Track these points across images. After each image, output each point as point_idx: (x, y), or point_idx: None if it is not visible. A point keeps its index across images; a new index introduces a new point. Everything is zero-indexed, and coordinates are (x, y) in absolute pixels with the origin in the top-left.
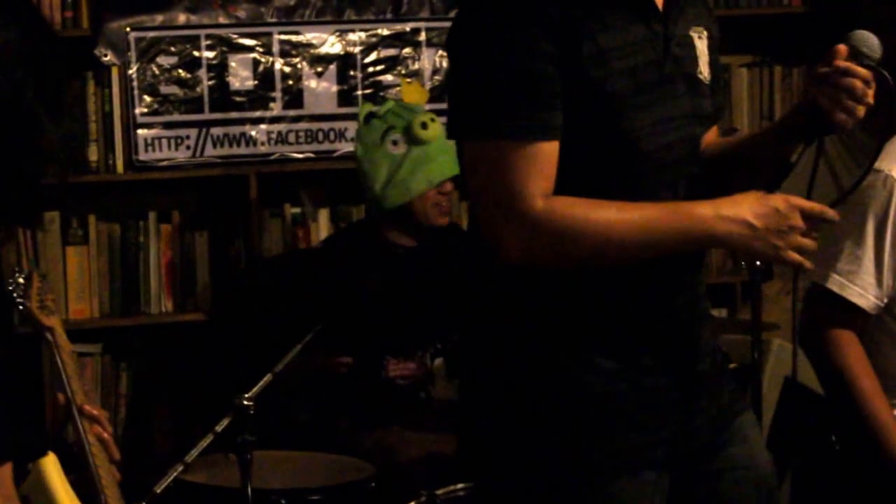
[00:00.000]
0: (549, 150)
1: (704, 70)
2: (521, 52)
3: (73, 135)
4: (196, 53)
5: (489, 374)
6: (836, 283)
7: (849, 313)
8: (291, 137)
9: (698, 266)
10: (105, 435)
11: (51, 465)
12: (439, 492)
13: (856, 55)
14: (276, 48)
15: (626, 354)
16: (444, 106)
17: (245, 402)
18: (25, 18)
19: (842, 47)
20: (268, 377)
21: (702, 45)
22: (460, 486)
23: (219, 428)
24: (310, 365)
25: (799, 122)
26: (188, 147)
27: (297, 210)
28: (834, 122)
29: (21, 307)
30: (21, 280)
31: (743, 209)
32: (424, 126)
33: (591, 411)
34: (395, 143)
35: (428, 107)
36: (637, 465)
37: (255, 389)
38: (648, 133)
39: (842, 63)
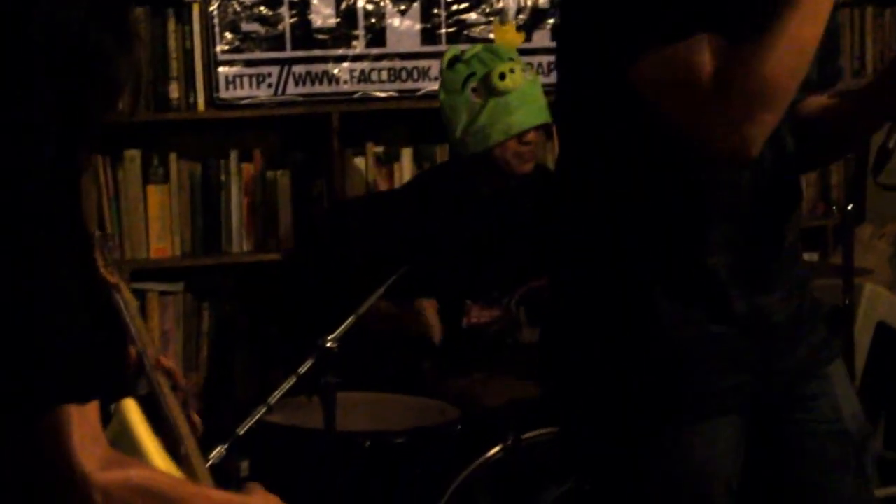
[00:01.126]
0: (708, 40)
1: None
2: None
3: (139, 62)
4: None
5: (565, 322)
6: None
7: None
8: (374, 76)
9: (785, 211)
10: (182, 383)
11: (133, 409)
12: (525, 436)
13: None
14: None
15: (697, 300)
16: (529, 45)
17: (328, 344)
18: None
19: None
20: (351, 319)
21: None
22: (547, 430)
23: (302, 370)
24: (403, 322)
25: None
26: (270, 85)
27: (380, 149)
28: None
29: None
30: None
31: None
32: (503, 77)
33: (662, 357)
34: (475, 90)
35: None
36: (711, 412)
37: (338, 331)
38: None
39: None
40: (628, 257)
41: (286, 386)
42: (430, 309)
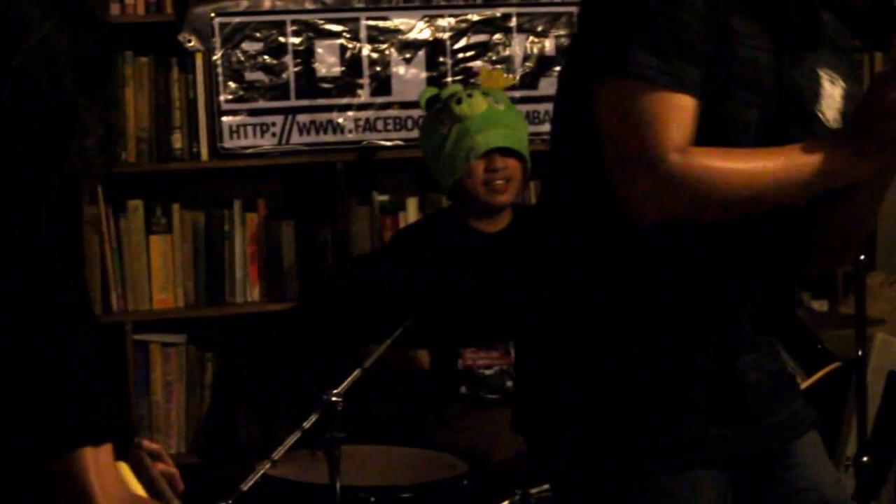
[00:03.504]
0: (690, 105)
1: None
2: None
3: (117, 128)
4: (282, 39)
5: (547, 363)
6: None
7: None
8: (379, 125)
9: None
10: (171, 470)
11: (127, 472)
12: (533, 490)
13: None
14: (363, 34)
15: (685, 352)
16: (535, 93)
17: (333, 399)
18: (66, 6)
19: None
20: (357, 373)
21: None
22: None
23: (306, 424)
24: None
25: None
26: (274, 134)
27: (385, 198)
28: None
29: None
30: None
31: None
32: (459, 101)
33: (645, 403)
34: (442, 122)
35: (518, 94)
36: (695, 462)
37: (343, 385)
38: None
39: None
40: (607, 302)
41: (291, 441)
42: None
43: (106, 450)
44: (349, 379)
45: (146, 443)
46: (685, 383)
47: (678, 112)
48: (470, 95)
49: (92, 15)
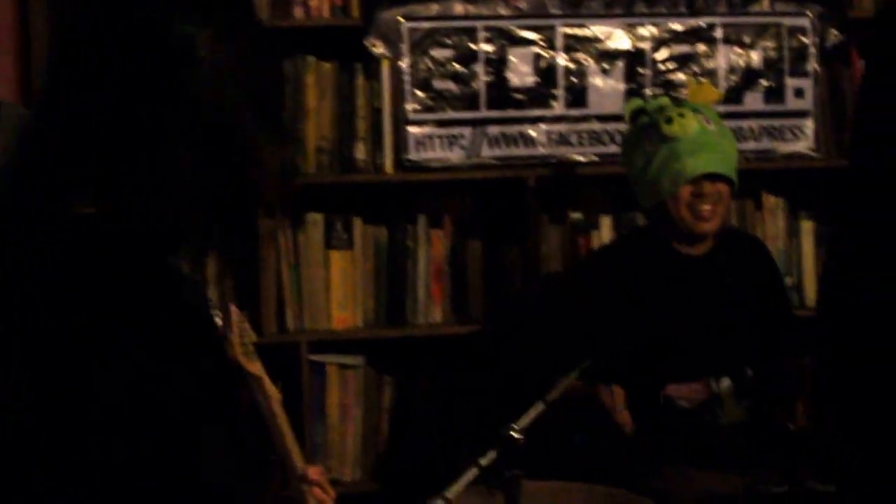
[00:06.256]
0: None
1: None
2: None
3: (292, 163)
4: (473, 46)
5: None
6: None
7: None
8: (574, 138)
9: None
10: (327, 500)
11: None
12: None
13: None
14: (559, 42)
15: None
16: (739, 108)
17: (514, 434)
18: (243, 32)
19: None
20: (540, 407)
21: None
22: None
23: (484, 461)
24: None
25: None
26: (462, 147)
27: (578, 216)
28: None
29: None
30: (218, 319)
31: None
32: (669, 121)
33: None
34: (648, 139)
35: (722, 108)
36: None
37: (524, 420)
38: None
39: None
40: None
41: (466, 478)
42: (619, 399)
43: None
44: (532, 413)
45: (309, 472)
46: None
47: None
48: (681, 115)
49: (268, 42)
